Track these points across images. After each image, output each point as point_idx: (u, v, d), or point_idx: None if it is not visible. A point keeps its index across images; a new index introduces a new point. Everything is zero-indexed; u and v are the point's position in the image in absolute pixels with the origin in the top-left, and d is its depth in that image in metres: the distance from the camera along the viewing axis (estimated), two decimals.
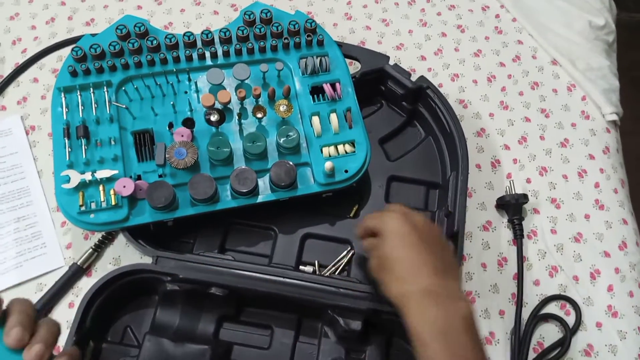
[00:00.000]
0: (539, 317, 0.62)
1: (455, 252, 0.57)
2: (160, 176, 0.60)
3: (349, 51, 0.69)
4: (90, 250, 0.63)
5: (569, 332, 0.61)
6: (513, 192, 0.67)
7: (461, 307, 0.47)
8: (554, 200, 0.70)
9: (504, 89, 0.77)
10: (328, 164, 0.60)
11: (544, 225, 0.68)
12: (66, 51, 0.77)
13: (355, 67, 0.71)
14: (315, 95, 0.64)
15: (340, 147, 0.62)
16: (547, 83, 0.78)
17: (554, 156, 0.72)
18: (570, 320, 0.63)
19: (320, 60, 0.65)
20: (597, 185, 0.71)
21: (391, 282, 0.50)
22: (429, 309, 0.47)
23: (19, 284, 0.62)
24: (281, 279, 0.59)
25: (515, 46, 0.81)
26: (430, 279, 0.48)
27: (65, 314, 0.61)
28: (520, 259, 0.65)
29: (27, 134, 0.71)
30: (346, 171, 0.61)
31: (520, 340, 0.61)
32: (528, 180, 0.71)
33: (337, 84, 0.64)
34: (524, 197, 0.67)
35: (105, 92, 0.61)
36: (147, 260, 0.61)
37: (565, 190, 0.70)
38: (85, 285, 0.63)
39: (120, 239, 0.65)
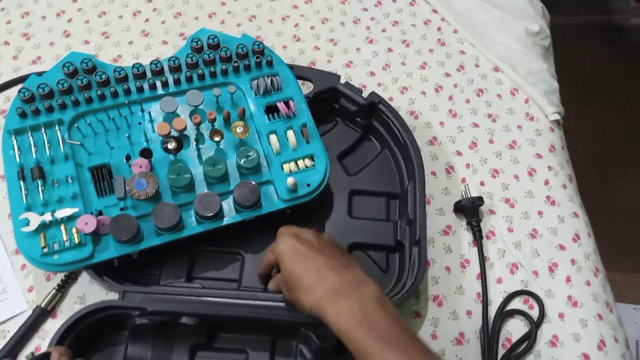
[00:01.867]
0: (504, 313, 0.64)
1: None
2: (122, 209, 0.60)
3: (301, 72, 0.71)
4: (54, 291, 0.62)
5: (534, 326, 0.63)
6: (469, 196, 0.70)
7: (370, 289, 0.50)
8: (508, 200, 0.73)
9: (452, 97, 0.80)
10: (290, 180, 0.61)
11: (501, 224, 0.71)
12: (14, 91, 0.76)
13: (308, 87, 0.72)
14: (270, 114, 0.66)
15: (300, 162, 0.64)
16: (492, 89, 0.81)
17: (504, 158, 0.76)
18: (535, 314, 0.65)
19: (272, 79, 0.66)
20: (546, 182, 0.74)
21: (302, 295, 0.52)
22: (341, 303, 0.49)
23: None
24: (251, 301, 0.59)
25: (458, 56, 0.85)
26: (335, 278, 0.51)
27: None
28: (482, 259, 0.67)
29: None
30: (308, 185, 0.63)
31: (489, 337, 0.63)
32: (482, 183, 0.74)
33: (291, 102, 0.66)
34: (480, 200, 0.69)
35: (58, 131, 0.61)
36: (114, 296, 0.60)
37: (518, 189, 0.73)
38: (51, 327, 0.61)
39: (84, 277, 0.64)
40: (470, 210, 0.69)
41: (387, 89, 0.81)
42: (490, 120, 0.79)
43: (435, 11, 0.89)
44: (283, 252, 0.54)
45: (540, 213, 0.72)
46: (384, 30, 0.87)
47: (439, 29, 0.87)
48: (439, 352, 0.62)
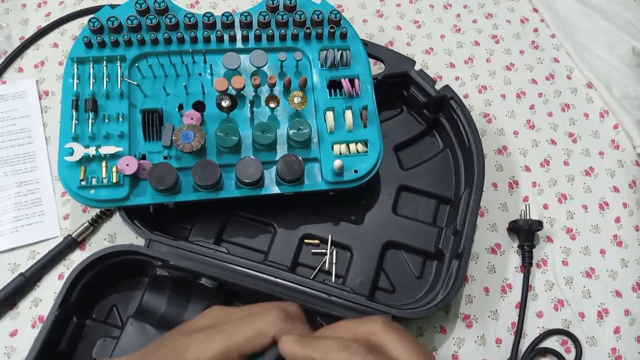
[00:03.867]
0: (537, 350, 0.59)
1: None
2: (165, 158, 0.59)
3: (374, 51, 0.66)
4: (87, 224, 0.63)
5: None
6: (527, 217, 0.64)
7: None
8: (570, 231, 0.66)
9: (533, 107, 0.74)
10: (337, 162, 0.57)
11: (556, 255, 0.65)
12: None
13: (379, 67, 0.68)
14: (332, 90, 0.62)
15: (353, 146, 0.60)
16: (579, 106, 0.74)
17: (576, 184, 0.69)
18: (570, 358, 0.59)
19: (342, 53, 0.62)
20: (617, 220, 0.67)
21: None
22: None
23: (13, 249, 0.62)
24: (274, 279, 0.57)
25: (550, 64, 0.77)
26: None
27: (54, 284, 0.60)
28: (526, 287, 0.62)
29: (40, 98, 0.70)
30: (356, 171, 0.59)
31: None
32: (545, 206, 0.67)
33: (356, 80, 0.62)
34: (539, 224, 0.64)
35: (119, 67, 0.60)
36: (142, 242, 0.60)
37: (584, 221, 0.67)
38: (77, 258, 0.62)
39: (118, 217, 0.64)
40: (525, 232, 0.64)
41: (465, 84, 0.75)
42: (571, 139, 0.72)
43: (535, 10, 0.81)
44: None
45: (602, 252, 0.65)
46: (474, 21, 0.80)
47: (535, 30, 0.80)
48: None
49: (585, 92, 0.75)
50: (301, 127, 0.59)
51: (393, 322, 0.33)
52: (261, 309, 0.33)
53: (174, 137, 0.57)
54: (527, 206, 0.66)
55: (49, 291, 0.60)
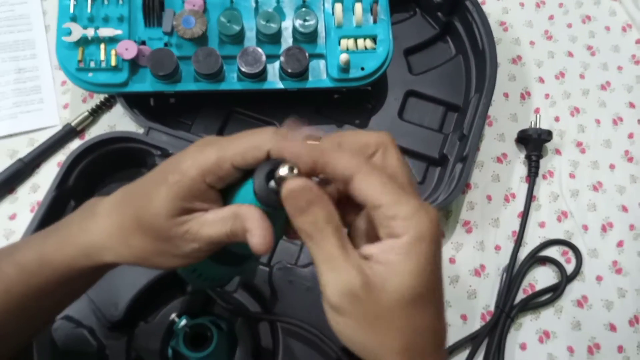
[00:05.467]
0: (536, 258, 0.59)
1: None
2: (165, 44, 0.57)
3: None
4: (86, 113, 0.62)
5: (565, 279, 0.57)
6: (537, 127, 0.62)
7: None
8: (580, 144, 0.64)
9: (552, 17, 0.70)
10: (344, 56, 0.55)
11: (563, 167, 0.63)
12: None
13: None
14: None
15: (360, 42, 0.57)
16: (601, 19, 0.70)
17: (591, 98, 0.66)
18: (570, 268, 0.59)
19: None
20: (630, 135, 0.65)
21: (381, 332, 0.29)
22: None
23: (11, 135, 0.61)
24: None
25: None
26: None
27: (52, 172, 0.60)
28: (530, 196, 0.61)
29: None
30: (362, 68, 0.57)
31: (512, 277, 0.58)
32: (557, 119, 0.65)
33: None
34: (548, 134, 0.62)
35: None
36: (142, 132, 0.59)
37: (595, 135, 0.65)
38: (76, 146, 0.61)
39: (118, 108, 0.63)
40: (534, 142, 0.62)
41: None
42: (589, 52, 0.69)
43: None
44: (419, 228, 0.28)
45: (612, 167, 0.64)
46: None
47: None
48: (453, 278, 0.58)
49: (609, 4, 0.71)
50: (308, 18, 0.56)
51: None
52: (257, 129, 0.32)
53: (174, 22, 0.55)
54: (538, 116, 0.63)
55: (47, 178, 0.60)
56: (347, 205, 0.31)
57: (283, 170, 0.29)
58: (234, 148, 0.31)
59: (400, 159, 0.32)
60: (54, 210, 0.54)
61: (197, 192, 0.31)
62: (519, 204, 0.61)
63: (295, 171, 0.29)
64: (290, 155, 0.30)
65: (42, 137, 0.61)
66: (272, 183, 0.30)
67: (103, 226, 0.34)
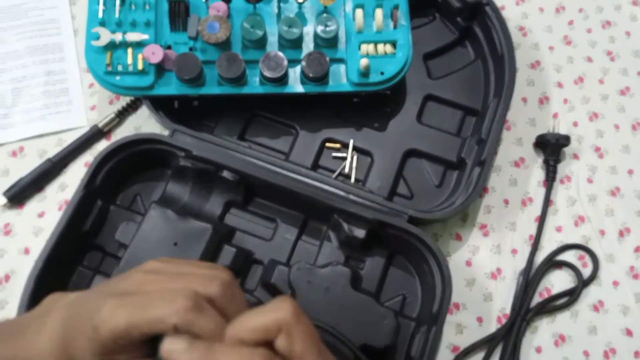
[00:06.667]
0: (553, 262, 0.59)
1: None
2: (190, 49, 0.58)
3: None
4: (113, 115, 0.63)
5: (581, 283, 0.58)
6: (555, 132, 0.63)
7: None
8: (598, 149, 0.65)
9: (572, 22, 0.70)
10: (364, 61, 0.56)
11: (581, 172, 0.63)
12: None
13: None
14: None
15: (380, 47, 0.58)
16: (621, 24, 0.70)
17: (610, 103, 0.67)
18: (586, 272, 0.59)
19: None
20: None
21: None
22: None
23: (41, 135, 0.63)
24: (294, 175, 0.57)
25: None
26: None
27: (79, 171, 0.62)
28: (547, 201, 0.61)
29: None
30: (382, 73, 0.58)
31: (528, 281, 0.58)
32: (575, 124, 0.66)
33: None
34: (566, 139, 0.62)
35: None
36: (167, 133, 0.61)
37: (614, 140, 0.65)
38: (103, 147, 0.62)
39: (144, 110, 0.64)
40: (552, 147, 0.62)
41: None
42: (609, 58, 0.69)
43: None
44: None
45: (630, 172, 0.64)
46: None
47: None
48: (469, 280, 0.59)
49: (630, 9, 0.71)
50: (329, 24, 0.57)
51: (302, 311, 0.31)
52: (179, 285, 0.32)
53: (199, 27, 0.57)
54: (556, 121, 0.64)
55: (75, 177, 0.62)
56: None
57: None
58: (144, 315, 0.31)
59: (308, 339, 0.30)
60: (81, 209, 0.55)
61: (113, 349, 0.32)
62: (536, 208, 0.62)
63: None
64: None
65: (70, 138, 0.63)
66: None
67: (47, 345, 0.35)
